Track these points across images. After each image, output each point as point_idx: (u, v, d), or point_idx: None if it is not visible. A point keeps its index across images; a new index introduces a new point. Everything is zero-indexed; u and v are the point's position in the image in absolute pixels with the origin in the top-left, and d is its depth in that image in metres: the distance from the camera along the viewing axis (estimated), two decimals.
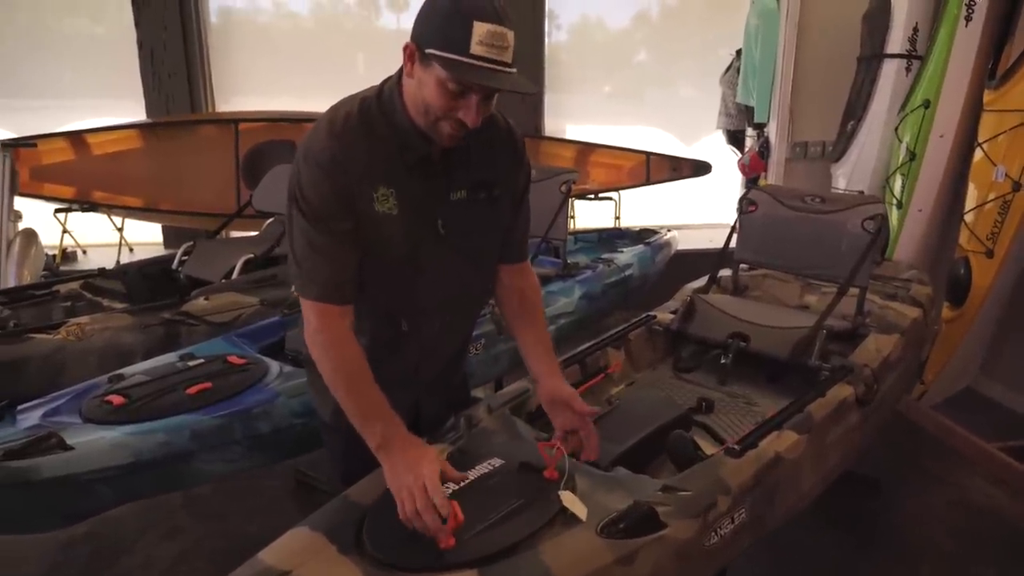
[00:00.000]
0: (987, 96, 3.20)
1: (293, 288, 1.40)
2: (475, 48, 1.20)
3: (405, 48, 1.29)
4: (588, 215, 5.15)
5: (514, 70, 1.26)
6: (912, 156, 3.49)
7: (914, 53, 3.59)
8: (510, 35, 1.24)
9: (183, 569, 2.30)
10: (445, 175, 1.41)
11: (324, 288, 1.34)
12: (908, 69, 3.61)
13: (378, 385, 1.36)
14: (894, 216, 3.57)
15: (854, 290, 2.42)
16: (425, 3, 1.28)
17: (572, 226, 4.75)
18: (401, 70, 1.34)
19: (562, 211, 3.27)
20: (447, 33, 1.21)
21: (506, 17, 1.23)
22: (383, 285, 1.43)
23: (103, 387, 2.10)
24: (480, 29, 1.19)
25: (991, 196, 3.07)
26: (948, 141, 3.42)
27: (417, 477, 1.26)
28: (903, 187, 3.56)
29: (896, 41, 3.62)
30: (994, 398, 3.51)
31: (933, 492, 2.78)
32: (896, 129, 3.58)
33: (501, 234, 1.55)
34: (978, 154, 3.17)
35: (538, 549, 1.28)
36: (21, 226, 3.78)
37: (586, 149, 5.12)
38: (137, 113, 4.69)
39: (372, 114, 1.34)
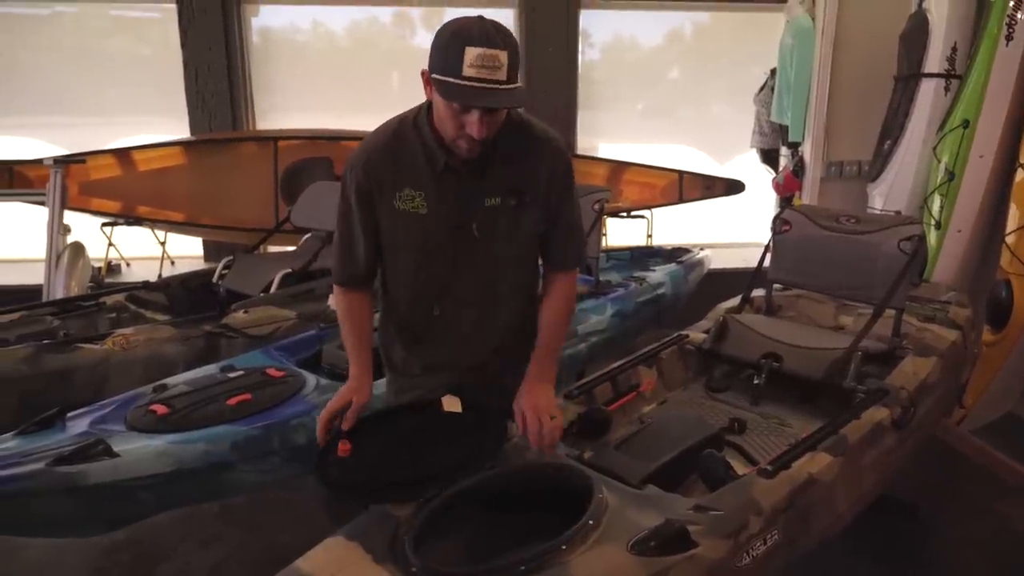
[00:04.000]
0: None
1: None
2: (467, 71, 1.35)
3: (422, 74, 1.45)
4: (621, 233, 5.15)
5: (511, 86, 1.39)
6: (951, 176, 3.44)
7: (953, 72, 3.55)
8: (503, 55, 1.37)
9: None
10: (481, 182, 1.56)
11: (340, 268, 1.65)
12: (947, 88, 3.57)
13: (419, 363, 1.72)
14: (932, 237, 3.51)
15: (890, 312, 2.39)
16: (436, 34, 1.44)
17: (604, 244, 4.76)
18: None
19: (595, 229, 3.29)
20: (445, 59, 1.38)
21: (498, 40, 1.37)
22: (418, 273, 1.63)
23: (147, 396, 2.17)
24: (471, 53, 1.35)
25: None
26: (988, 161, 3.37)
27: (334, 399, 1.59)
28: (942, 207, 3.51)
29: (934, 60, 3.59)
30: None
31: (973, 519, 2.71)
32: (934, 149, 3.54)
33: (534, 238, 1.66)
34: (1020, 174, 3.12)
35: (569, 564, 1.29)
36: (70, 239, 3.91)
37: (619, 167, 5.13)
38: (180, 130, 4.83)
39: (406, 129, 1.57)
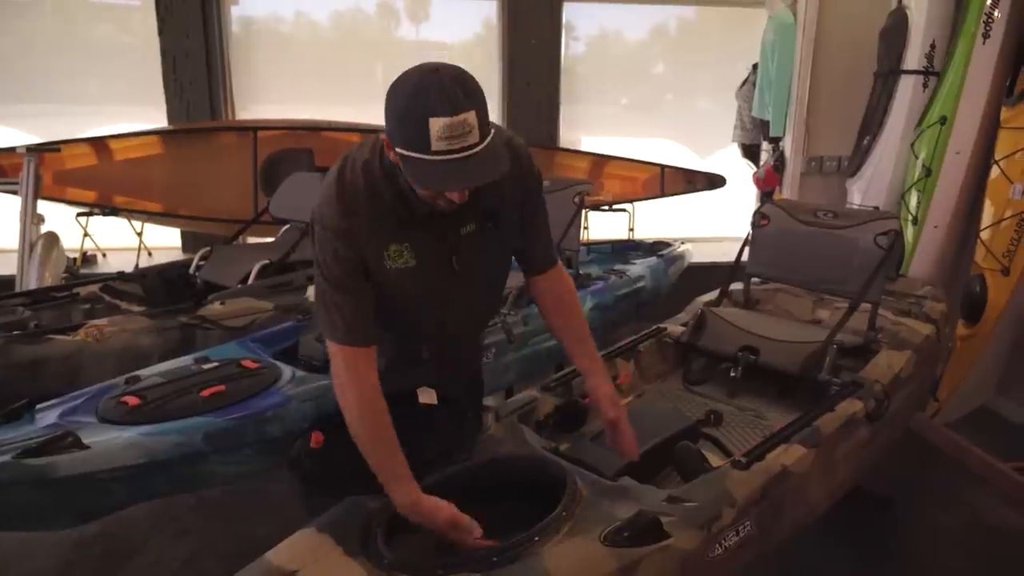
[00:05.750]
0: (1004, 113, 3.18)
1: (320, 332, 1.54)
2: (436, 145, 1.22)
3: (382, 139, 1.34)
4: (602, 227, 5.16)
5: (484, 143, 1.27)
6: (928, 172, 3.47)
7: (931, 69, 3.57)
8: (471, 116, 1.24)
9: (193, 569, 2.32)
10: (455, 214, 1.45)
11: (345, 333, 1.43)
12: (925, 85, 3.60)
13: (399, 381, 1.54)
14: (909, 232, 3.55)
15: (866, 306, 2.41)
16: (387, 99, 1.29)
17: (585, 237, 4.76)
18: None
19: (575, 222, 3.29)
20: (407, 134, 1.25)
21: (462, 101, 1.23)
22: (404, 321, 1.53)
23: (119, 388, 2.14)
24: (436, 125, 1.21)
25: (1008, 213, 3.05)
26: (965, 158, 3.40)
27: (445, 519, 1.37)
28: (919, 203, 3.54)
29: (913, 57, 3.61)
30: (1009, 417, 3.46)
31: (946, 512, 2.75)
32: (912, 145, 3.57)
33: (510, 255, 1.63)
34: (995, 171, 3.16)
35: (541, 555, 1.29)
36: (44, 229, 3.84)
37: (600, 161, 5.13)
38: (159, 120, 4.76)
39: (375, 179, 1.41)
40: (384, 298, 1.48)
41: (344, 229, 1.39)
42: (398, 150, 1.28)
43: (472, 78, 1.29)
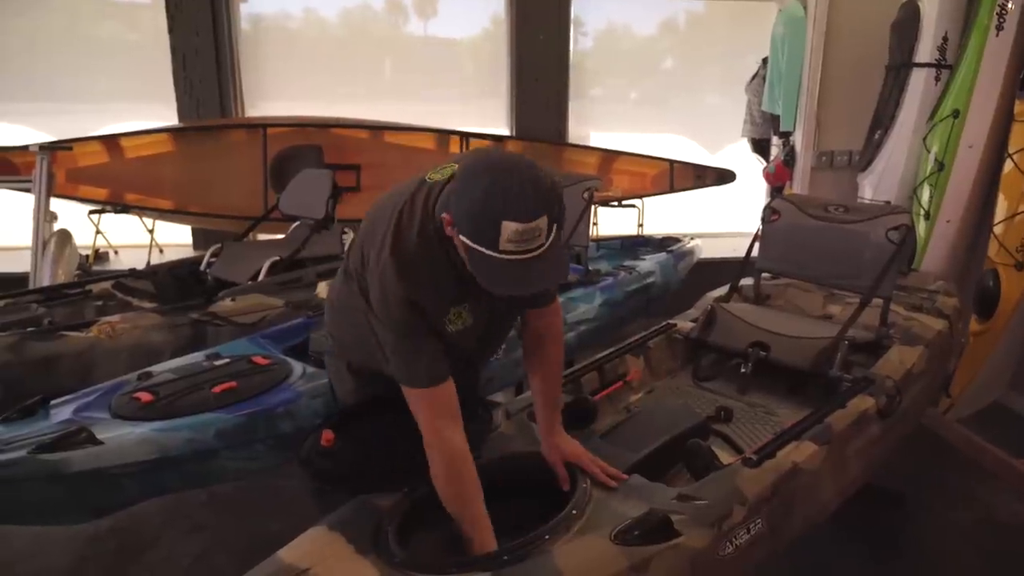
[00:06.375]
0: (1018, 106, 3.15)
1: (388, 362, 1.48)
2: (504, 245, 1.23)
3: (444, 218, 1.32)
4: (611, 222, 5.14)
5: (548, 243, 1.27)
6: (941, 166, 3.45)
7: (943, 62, 3.54)
8: (543, 223, 1.24)
9: (205, 565, 2.34)
10: None
11: (428, 373, 1.42)
12: (937, 78, 3.57)
13: None
14: (921, 227, 3.52)
15: (878, 301, 2.40)
16: (461, 174, 1.31)
17: (595, 233, 4.75)
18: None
19: (584, 218, 3.28)
20: (477, 228, 1.25)
21: (539, 208, 1.23)
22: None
23: (132, 384, 2.16)
24: (508, 229, 1.22)
25: (1022, 208, 3.02)
26: (978, 151, 3.37)
27: None
28: (931, 198, 3.51)
29: (925, 50, 3.58)
30: (1022, 413, 3.44)
31: (958, 508, 2.73)
32: (924, 139, 3.54)
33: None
34: (1008, 165, 3.13)
35: (552, 553, 1.29)
36: (56, 227, 3.87)
37: (610, 156, 5.12)
38: (168, 117, 4.78)
39: (432, 245, 1.39)
40: None
41: (412, 300, 1.39)
42: (463, 239, 1.28)
43: (546, 178, 1.28)
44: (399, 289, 1.38)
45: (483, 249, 1.25)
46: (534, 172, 1.27)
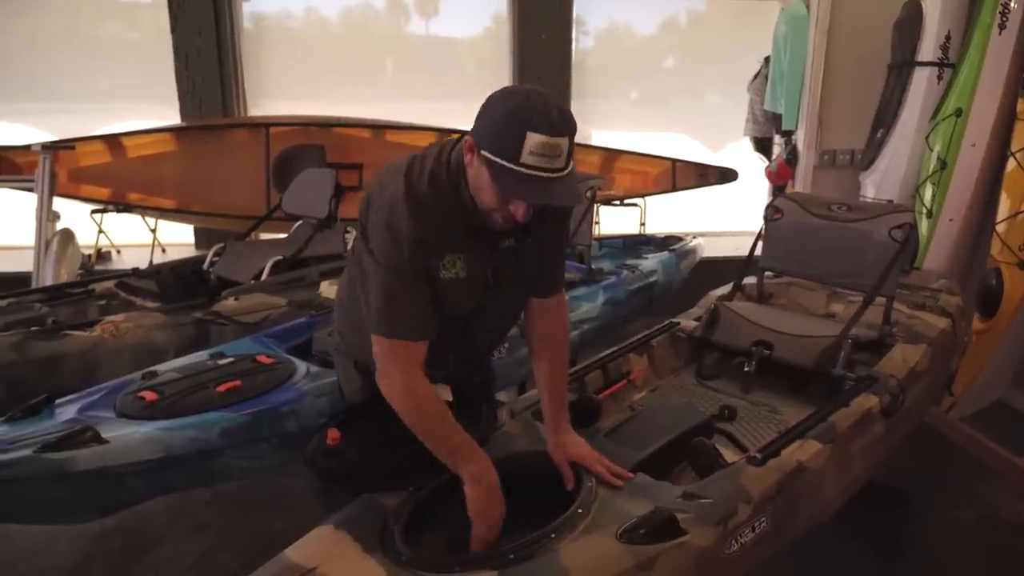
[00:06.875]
0: (1021, 105, 3.15)
1: (372, 326, 1.47)
2: (526, 158, 1.26)
3: (466, 141, 1.37)
4: (614, 221, 5.14)
5: (565, 172, 1.32)
6: (943, 165, 3.45)
7: (946, 61, 3.54)
8: (565, 143, 1.29)
9: (210, 563, 2.34)
10: (500, 229, 1.48)
11: (400, 325, 1.43)
12: (940, 77, 3.57)
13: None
14: (924, 225, 3.52)
15: (881, 300, 2.40)
16: (487, 102, 1.35)
17: (597, 232, 4.75)
18: (463, 147, 1.40)
19: (587, 217, 3.29)
20: (501, 140, 1.28)
21: (562, 125, 1.28)
22: (442, 330, 1.50)
23: (137, 383, 2.16)
24: (532, 140, 1.26)
25: None
26: (980, 150, 3.38)
27: (497, 513, 1.42)
28: (934, 196, 3.51)
29: (928, 49, 3.58)
30: None
31: (961, 506, 2.74)
32: (927, 138, 3.54)
33: (539, 273, 1.62)
34: (1011, 164, 3.13)
35: (558, 552, 1.29)
36: (59, 226, 3.87)
37: (612, 155, 5.11)
38: (169, 116, 4.78)
39: (442, 187, 1.43)
40: None
41: (419, 239, 1.40)
42: (485, 153, 1.30)
43: (570, 112, 1.34)
44: (410, 229, 1.39)
45: (505, 162, 1.27)
46: (557, 101, 1.31)
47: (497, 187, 1.31)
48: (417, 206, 1.40)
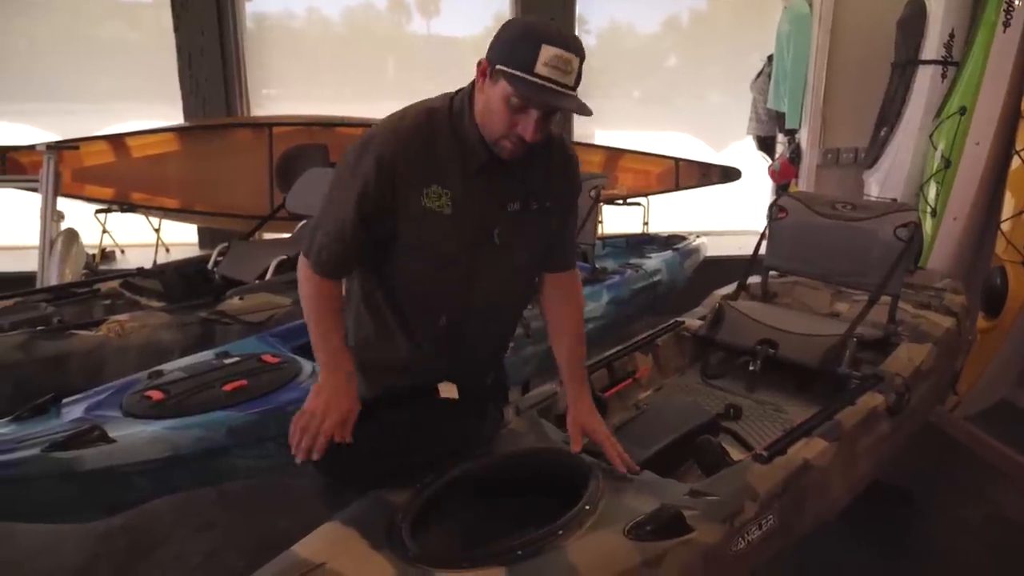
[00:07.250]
0: None
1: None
2: (540, 68, 1.31)
3: (479, 64, 1.40)
4: (617, 220, 5.15)
5: (575, 93, 1.36)
6: (947, 163, 3.44)
7: (950, 59, 3.54)
8: (576, 61, 1.35)
9: (216, 562, 2.34)
10: (503, 188, 1.50)
11: (314, 247, 1.47)
12: (944, 75, 3.57)
13: (405, 370, 1.58)
14: (928, 224, 3.52)
15: (886, 298, 2.40)
16: (502, 27, 1.40)
17: (601, 231, 4.75)
18: (472, 85, 1.44)
19: (591, 216, 3.29)
20: (516, 53, 1.33)
21: (574, 45, 1.35)
22: (429, 279, 1.51)
23: (143, 383, 2.17)
24: (547, 52, 1.31)
25: None
26: (984, 148, 3.37)
27: (328, 407, 1.45)
28: (938, 195, 3.51)
29: (932, 47, 3.58)
30: None
31: (966, 505, 2.73)
32: (931, 136, 3.54)
33: (548, 242, 1.63)
34: (1015, 162, 3.13)
35: (565, 549, 1.30)
36: (63, 226, 3.88)
37: (615, 154, 5.12)
38: (172, 116, 4.79)
39: (439, 121, 1.45)
40: (411, 251, 1.47)
41: (389, 156, 1.40)
42: (500, 67, 1.34)
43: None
44: (387, 143, 1.40)
45: (518, 72, 1.31)
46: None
47: (518, 91, 1.33)
48: (410, 127, 1.43)
